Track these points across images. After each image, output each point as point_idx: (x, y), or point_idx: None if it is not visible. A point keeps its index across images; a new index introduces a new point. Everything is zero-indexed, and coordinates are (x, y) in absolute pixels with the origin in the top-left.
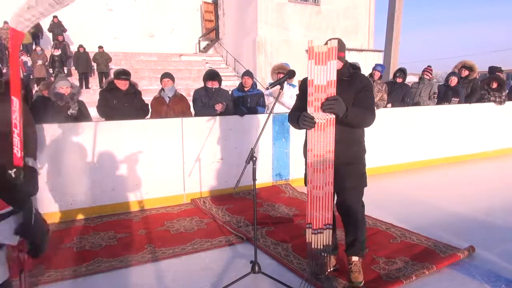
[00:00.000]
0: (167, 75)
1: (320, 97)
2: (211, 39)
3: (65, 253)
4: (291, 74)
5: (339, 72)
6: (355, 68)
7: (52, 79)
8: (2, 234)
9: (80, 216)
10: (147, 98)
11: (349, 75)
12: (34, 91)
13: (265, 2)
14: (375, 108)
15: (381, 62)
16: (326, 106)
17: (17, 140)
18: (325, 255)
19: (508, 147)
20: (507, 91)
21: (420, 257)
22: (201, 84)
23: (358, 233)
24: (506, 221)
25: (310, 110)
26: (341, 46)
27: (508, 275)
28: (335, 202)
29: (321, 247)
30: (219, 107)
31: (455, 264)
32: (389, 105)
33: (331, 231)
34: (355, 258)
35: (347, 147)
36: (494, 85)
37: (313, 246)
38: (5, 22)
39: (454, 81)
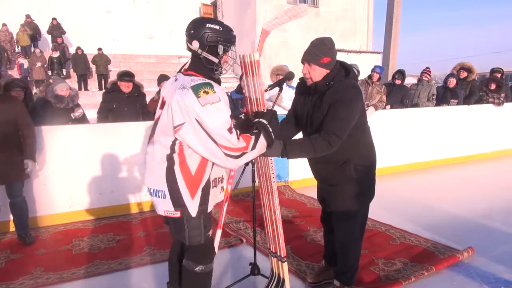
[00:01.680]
0: (166, 78)
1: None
2: None
3: (64, 256)
4: (290, 76)
5: (317, 84)
6: (346, 71)
7: (51, 81)
8: None
9: (79, 218)
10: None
11: (328, 88)
12: (33, 93)
13: (264, 4)
14: (346, 130)
15: (380, 63)
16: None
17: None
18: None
19: (507, 149)
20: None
21: (419, 258)
22: None
23: (342, 257)
24: (505, 222)
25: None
26: (322, 49)
27: (507, 276)
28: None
29: (277, 271)
30: None
31: (454, 266)
32: (388, 106)
33: (284, 264)
34: (336, 282)
35: (331, 168)
36: (493, 87)
37: (271, 266)
38: (4, 25)
39: (452, 82)
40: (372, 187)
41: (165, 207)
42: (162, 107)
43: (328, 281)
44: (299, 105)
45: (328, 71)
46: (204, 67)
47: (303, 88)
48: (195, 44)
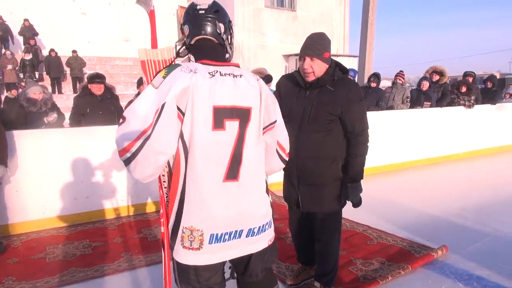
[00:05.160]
0: None
1: None
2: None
3: (37, 264)
4: (268, 79)
5: (320, 80)
6: (343, 71)
7: (23, 84)
8: None
9: (53, 225)
10: (123, 103)
11: (333, 84)
12: (4, 97)
13: (241, 8)
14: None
15: (356, 67)
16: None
17: None
18: None
19: (477, 149)
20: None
21: (396, 257)
22: None
23: (322, 259)
24: (477, 221)
25: None
26: (325, 43)
27: (479, 273)
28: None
29: None
30: None
31: (430, 264)
32: None
33: None
34: (316, 284)
35: (321, 165)
36: (463, 90)
37: None
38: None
39: (426, 85)
40: None
41: (269, 236)
42: (237, 116)
43: (307, 281)
44: (289, 102)
45: (328, 66)
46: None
47: (290, 85)
48: (222, 28)
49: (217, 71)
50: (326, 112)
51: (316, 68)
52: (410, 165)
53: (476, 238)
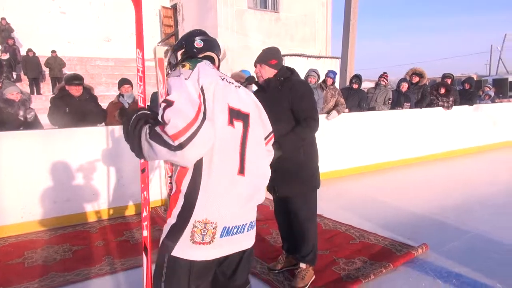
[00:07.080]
0: (127, 82)
1: None
2: (170, 44)
3: (15, 269)
4: (250, 79)
5: (269, 81)
6: (291, 72)
7: (0, 84)
8: None
9: (32, 229)
10: (104, 104)
11: (280, 84)
12: None
13: (225, 9)
14: (317, 114)
15: (338, 68)
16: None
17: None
18: None
19: (455, 149)
20: (455, 96)
21: (378, 256)
22: None
23: (302, 241)
24: (456, 220)
25: None
26: (270, 53)
27: (458, 270)
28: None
29: None
30: None
31: (410, 262)
32: (346, 110)
33: None
34: (302, 265)
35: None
36: (442, 91)
37: None
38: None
39: (405, 87)
40: (318, 174)
41: (255, 233)
42: (241, 118)
43: (287, 268)
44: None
45: (276, 71)
46: None
47: (257, 89)
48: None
49: (224, 77)
50: (280, 109)
51: (263, 72)
52: (391, 165)
53: (455, 236)
